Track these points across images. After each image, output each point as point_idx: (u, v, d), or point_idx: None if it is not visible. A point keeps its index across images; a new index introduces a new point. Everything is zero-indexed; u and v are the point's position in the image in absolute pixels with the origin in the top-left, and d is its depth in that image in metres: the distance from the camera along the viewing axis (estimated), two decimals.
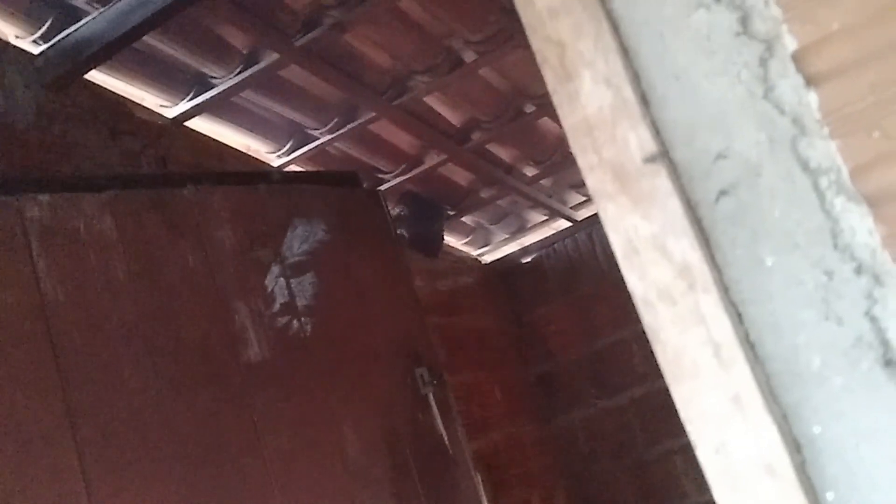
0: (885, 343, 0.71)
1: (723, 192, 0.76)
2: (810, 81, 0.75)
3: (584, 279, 4.13)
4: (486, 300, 4.13)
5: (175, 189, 2.04)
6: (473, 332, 3.95)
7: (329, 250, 2.20)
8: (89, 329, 1.82)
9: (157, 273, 1.95)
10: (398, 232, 3.46)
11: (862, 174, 0.72)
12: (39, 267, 1.80)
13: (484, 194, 3.95)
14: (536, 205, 4.10)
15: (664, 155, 0.77)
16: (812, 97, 0.75)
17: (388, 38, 2.98)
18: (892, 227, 0.71)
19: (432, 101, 3.40)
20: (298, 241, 2.15)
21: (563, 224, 4.26)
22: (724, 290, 0.76)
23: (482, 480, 2.27)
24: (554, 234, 4.22)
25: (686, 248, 0.75)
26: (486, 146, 3.67)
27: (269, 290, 2.07)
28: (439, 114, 3.48)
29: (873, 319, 0.72)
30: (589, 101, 0.80)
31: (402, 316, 2.29)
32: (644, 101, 0.79)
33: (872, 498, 0.71)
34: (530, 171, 3.94)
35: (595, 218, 4.20)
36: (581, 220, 4.23)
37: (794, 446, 0.73)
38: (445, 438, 2.19)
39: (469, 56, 3.13)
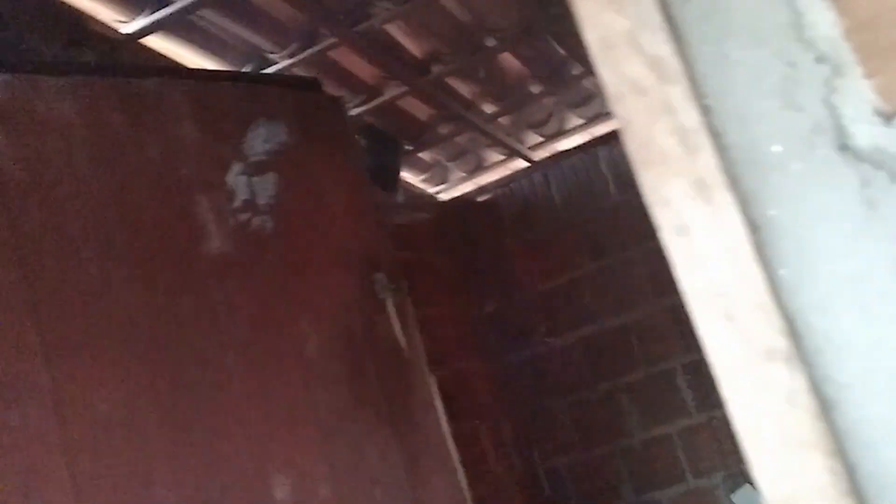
0: (840, 129, 0.76)
1: None
2: None
3: (539, 220, 4.18)
4: (440, 237, 4.16)
5: (137, 80, 2.02)
6: (427, 268, 3.98)
7: (290, 152, 2.21)
8: (49, 210, 1.81)
9: (117, 161, 1.94)
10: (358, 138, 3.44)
11: None
12: None
13: (442, 130, 3.97)
14: (495, 143, 4.13)
15: None
16: None
17: None
18: (853, 20, 0.75)
19: (393, 31, 3.39)
20: (260, 140, 2.15)
21: (520, 164, 4.29)
22: (693, 82, 0.79)
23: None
24: (511, 174, 4.26)
25: (658, 42, 0.79)
26: (446, 79, 3.68)
27: (230, 186, 2.08)
28: (400, 44, 3.48)
29: (831, 107, 0.76)
30: None
31: (360, 222, 2.31)
32: None
33: (820, 270, 0.76)
34: (489, 109, 3.97)
35: (552, 160, 4.26)
36: (538, 161, 4.27)
37: (752, 227, 0.78)
38: (402, 342, 2.22)
39: None
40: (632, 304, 3.91)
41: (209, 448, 1.86)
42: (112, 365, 1.79)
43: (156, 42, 3.02)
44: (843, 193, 0.75)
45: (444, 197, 4.38)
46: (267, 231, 2.10)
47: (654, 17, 0.79)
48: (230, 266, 2.02)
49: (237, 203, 2.07)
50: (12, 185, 1.76)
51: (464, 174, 4.36)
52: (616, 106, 0.81)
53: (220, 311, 1.96)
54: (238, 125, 2.14)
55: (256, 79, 2.53)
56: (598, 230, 4.02)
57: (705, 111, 0.79)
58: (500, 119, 4.04)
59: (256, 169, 2.12)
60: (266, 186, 2.13)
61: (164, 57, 3.05)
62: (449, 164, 4.28)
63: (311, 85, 2.41)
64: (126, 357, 1.81)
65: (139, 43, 2.94)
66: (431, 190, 4.35)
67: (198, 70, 2.38)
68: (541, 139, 4.31)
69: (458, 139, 4.07)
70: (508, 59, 3.71)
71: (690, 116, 0.78)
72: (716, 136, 0.79)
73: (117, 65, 2.27)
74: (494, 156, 4.31)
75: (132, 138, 1.97)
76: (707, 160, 0.77)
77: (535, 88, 3.93)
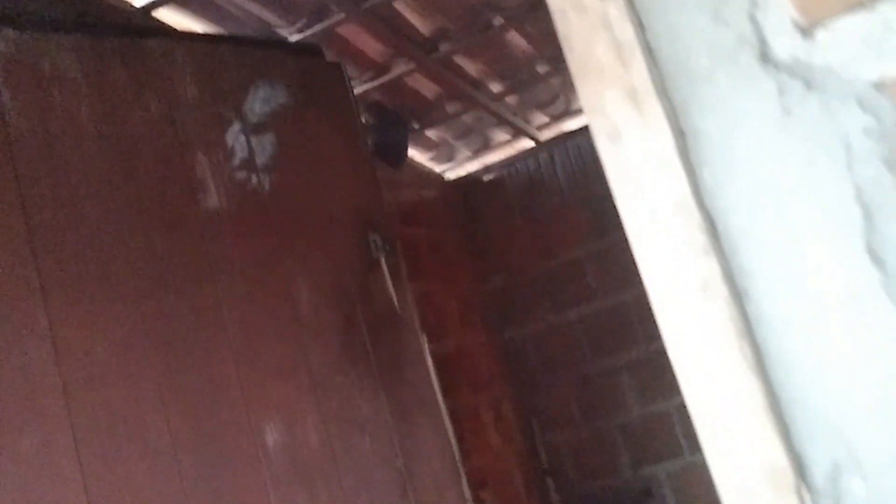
0: (762, 42, 0.81)
1: None
2: None
3: (544, 199, 4.23)
4: (446, 215, 4.22)
5: (141, 40, 2.09)
6: (432, 245, 4.04)
7: (289, 114, 2.27)
8: (52, 163, 1.88)
9: (119, 118, 2.01)
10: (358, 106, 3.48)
11: None
12: (4, 97, 1.85)
13: (449, 109, 4.02)
14: (501, 122, 4.18)
15: None
16: None
17: None
18: None
19: (401, 8, 3.45)
20: (260, 102, 2.21)
21: (526, 144, 4.34)
22: (629, 0, 0.85)
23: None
24: (517, 154, 4.31)
25: None
26: (454, 57, 3.73)
27: (230, 145, 2.14)
28: (408, 21, 3.53)
29: (754, 21, 0.81)
30: None
31: (357, 184, 2.37)
32: None
33: (740, 172, 0.81)
34: (496, 88, 4.01)
35: (558, 140, 4.31)
36: (544, 141, 4.32)
37: (679, 134, 0.83)
38: (395, 301, 2.28)
39: None
40: (633, 283, 3.92)
41: (203, 393, 1.93)
42: (109, 309, 1.86)
43: (167, 15, 3.10)
44: (762, 101, 0.80)
45: (450, 175, 4.44)
46: (265, 190, 2.16)
47: None
48: (227, 222, 2.08)
49: (236, 161, 2.13)
50: (16, 136, 1.83)
51: (470, 153, 4.42)
52: (558, 22, 0.86)
53: (216, 265, 2.03)
54: (238, 86, 2.20)
55: (258, 43, 2.60)
56: (601, 210, 4.06)
57: (640, 27, 0.84)
58: (506, 98, 4.09)
59: (256, 129, 2.19)
60: (265, 147, 2.19)
61: (176, 30, 3.13)
62: (456, 143, 4.33)
63: (312, 51, 2.47)
64: (123, 303, 1.88)
65: (151, 16, 3.01)
66: (438, 168, 4.41)
67: (199, 34, 2.44)
68: (547, 119, 4.36)
69: (464, 118, 4.13)
70: (516, 38, 3.76)
71: (626, 31, 0.83)
72: (649, 50, 0.84)
73: (121, 25, 2.33)
74: (501, 135, 4.36)
75: (135, 96, 2.03)
76: (640, 72, 0.82)
77: (542, 68, 3.98)
